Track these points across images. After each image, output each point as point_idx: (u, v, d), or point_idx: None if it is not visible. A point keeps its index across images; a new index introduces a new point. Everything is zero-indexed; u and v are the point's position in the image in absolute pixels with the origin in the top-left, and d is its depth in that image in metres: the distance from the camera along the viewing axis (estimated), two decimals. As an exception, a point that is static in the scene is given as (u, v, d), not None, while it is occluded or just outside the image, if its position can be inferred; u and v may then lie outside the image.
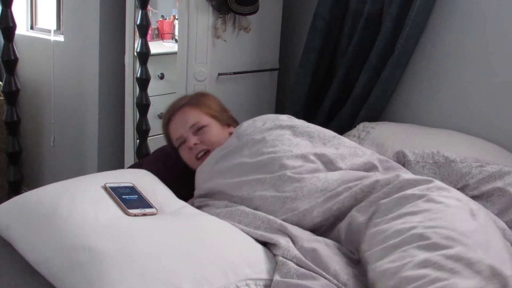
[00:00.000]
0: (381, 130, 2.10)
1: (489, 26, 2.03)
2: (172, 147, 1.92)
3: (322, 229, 1.51)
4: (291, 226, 1.45)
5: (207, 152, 1.81)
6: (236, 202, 1.61)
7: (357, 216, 1.43)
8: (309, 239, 1.40)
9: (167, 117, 1.91)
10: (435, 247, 1.23)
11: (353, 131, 2.15)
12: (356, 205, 1.47)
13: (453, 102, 2.15)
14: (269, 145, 1.68)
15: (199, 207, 1.66)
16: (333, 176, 1.58)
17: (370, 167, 1.65)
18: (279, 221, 1.46)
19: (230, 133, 1.88)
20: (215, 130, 1.85)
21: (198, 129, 1.83)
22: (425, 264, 1.19)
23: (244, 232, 1.45)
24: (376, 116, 2.27)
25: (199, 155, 1.82)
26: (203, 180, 1.74)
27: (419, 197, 1.38)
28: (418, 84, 2.24)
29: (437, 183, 1.45)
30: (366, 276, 1.32)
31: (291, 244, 1.38)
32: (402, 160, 1.82)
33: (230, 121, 1.93)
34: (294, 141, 1.71)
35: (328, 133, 1.79)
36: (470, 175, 1.72)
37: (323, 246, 1.38)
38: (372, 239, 1.34)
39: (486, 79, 2.06)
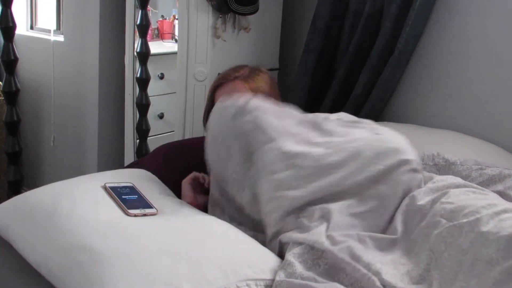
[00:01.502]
0: (381, 130, 2.10)
1: (489, 26, 2.03)
2: (209, 109, 1.90)
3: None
4: (335, 212, 1.43)
5: None
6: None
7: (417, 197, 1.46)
8: (341, 233, 1.38)
9: (218, 82, 1.90)
10: None
11: (353, 131, 2.15)
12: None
13: (453, 102, 2.14)
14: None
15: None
16: None
17: None
18: (324, 205, 1.45)
19: None
20: None
21: None
22: None
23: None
24: (376, 116, 2.27)
25: None
26: None
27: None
28: (418, 84, 2.23)
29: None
30: (408, 253, 1.35)
31: (324, 238, 1.36)
32: (402, 161, 1.82)
33: None
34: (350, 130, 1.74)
35: None
36: (470, 178, 1.70)
37: (355, 243, 1.36)
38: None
39: (486, 79, 2.06)
